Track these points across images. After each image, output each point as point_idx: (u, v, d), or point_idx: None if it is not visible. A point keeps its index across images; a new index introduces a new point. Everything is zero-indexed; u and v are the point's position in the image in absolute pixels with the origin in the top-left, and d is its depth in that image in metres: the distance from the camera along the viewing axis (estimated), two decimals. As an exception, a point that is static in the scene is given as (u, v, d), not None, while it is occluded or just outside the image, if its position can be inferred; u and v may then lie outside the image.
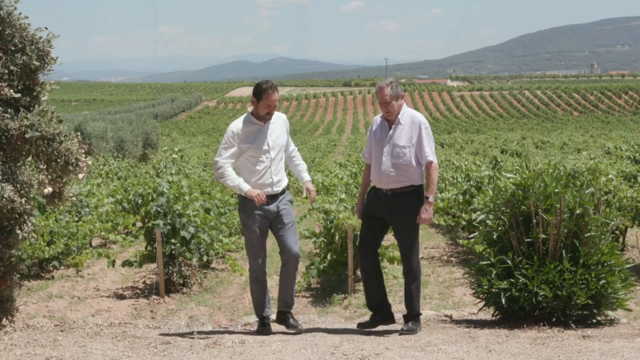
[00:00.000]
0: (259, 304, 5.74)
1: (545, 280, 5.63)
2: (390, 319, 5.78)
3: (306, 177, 5.79)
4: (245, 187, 5.39)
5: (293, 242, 5.56)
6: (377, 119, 5.69)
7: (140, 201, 12.14)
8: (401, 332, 5.55)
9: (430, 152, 5.46)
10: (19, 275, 3.53)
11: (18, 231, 3.28)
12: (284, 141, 5.59)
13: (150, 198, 8.93)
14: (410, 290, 5.65)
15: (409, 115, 5.52)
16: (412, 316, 5.67)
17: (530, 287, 5.63)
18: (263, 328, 5.72)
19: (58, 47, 3.31)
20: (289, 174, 12.12)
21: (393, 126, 5.51)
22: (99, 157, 24.40)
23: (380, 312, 5.73)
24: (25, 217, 3.25)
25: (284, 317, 5.73)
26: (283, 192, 5.61)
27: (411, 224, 5.52)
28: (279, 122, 5.60)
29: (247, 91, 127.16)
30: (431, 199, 5.50)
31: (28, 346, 5.36)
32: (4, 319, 3.53)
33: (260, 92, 5.42)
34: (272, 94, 5.42)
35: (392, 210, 5.50)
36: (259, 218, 5.49)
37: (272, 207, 5.51)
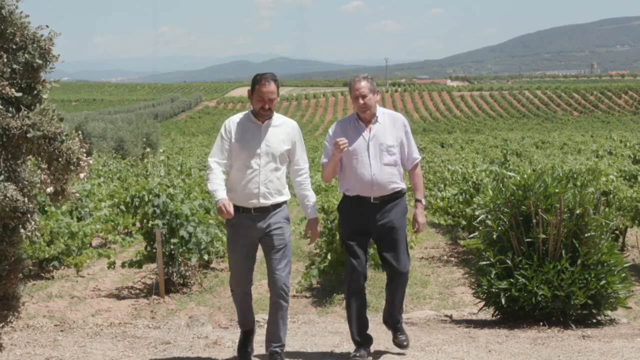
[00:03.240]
0: (243, 315, 4.90)
1: (544, 280, 5.63)
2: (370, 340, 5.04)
3: (312, 213, 4.84)
4: (219, 195, 4.55)
5: (280, 273, 4.67)
6: (342, 122, 5.00)
7: (137, 202, 12.13)
8: (401, 345, 4.98)
9: (417, 152, 5.03)
10: (21, 275, 3.55)
11: (22, 230, 3.27)
12: (282, 150, 4.67)
13: (146, 199, 8.94)
14: (399, 302, 5.00)
15: (387, 114, 4.96)
16: (398, 324, 5.06)
17: (529, 287, 5.63)
18: (242, 350, 4.88)
19: (58, 46, 3.31)
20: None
21: (370, 125, 4.87)
22: (99, 157, 24.42)
23: (366, 342, 4.95)
24: (29, 215, 3.25)
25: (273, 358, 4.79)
26: (276, 207, 4.72)
27: (404, 231, 4.93)
28: (282, 128, 4.72)
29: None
30: (424, 202, 5.08)
31: (28, 346, 5.37)
32: (11, 316, 3.54)
33: (254, 83, 4.64)
34: (266, 85, 4.57)
35: (387, 220, 4.83)
36: (243, 236, 4.69)
37: (261, 224, 4.66)
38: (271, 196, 4.66)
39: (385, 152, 4.83)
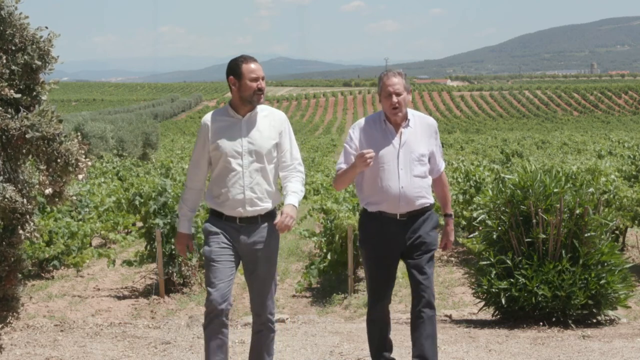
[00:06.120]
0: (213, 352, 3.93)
1: (545, 280, 5.63)
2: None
3: (290, 199, 3.93)
4: (180, 227, 3.98)
5: (264, 303, 3.99)
6: (367, 122, 4.28)
7: (139, 201, 12.15)
8: None
9: (443, 160, 4.43)
10: (20, 275, 3.55)
11: (20, 231, 3.28)
12: (268, 146, 3.94)
13: (150, 197, 8.96)
14: (433, 334, 4.21)
15: (418, 117, 4.27)
16: None
17: (529, 287, 5.63)
18: None
19: (58, 46, 3.32)
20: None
21: (401, 129, 4.17)
22: (100, 157, 24.46)
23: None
24: (27, 216, 3.25)
25: None
26: (265, 219, 3.97)
27: (435, 247, 4.29)
28: (267, 120, 4.01)
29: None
30: (453, 216, 4.48)
31: (28, 346, 5.37)
32: (10, 317, 3.54)
33: (237, 67, 3.92)
34: (252, 62, 3.91)
35: (416, 236, 4.18)
36: (226, 245, 3.95)
37: (245, 237, 3.94)
38: (260, 201, 3.94)
39: (416, 162, 4.16)
